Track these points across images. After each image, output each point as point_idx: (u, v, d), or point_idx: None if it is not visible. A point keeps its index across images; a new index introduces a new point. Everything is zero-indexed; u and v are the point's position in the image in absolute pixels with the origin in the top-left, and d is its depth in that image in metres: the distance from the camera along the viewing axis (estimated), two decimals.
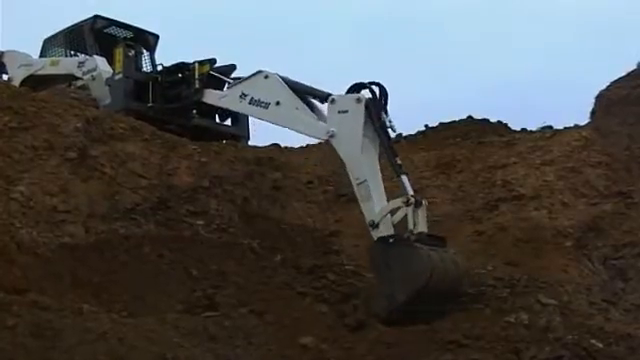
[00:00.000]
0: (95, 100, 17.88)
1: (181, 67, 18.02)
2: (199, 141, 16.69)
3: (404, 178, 13.45)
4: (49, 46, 20.61)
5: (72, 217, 13.26)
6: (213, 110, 18.44)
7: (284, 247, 14.83)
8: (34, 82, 19.48)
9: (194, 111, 18.20)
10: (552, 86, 47.32)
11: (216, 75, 17.25)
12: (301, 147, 21.40)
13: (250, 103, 15.49)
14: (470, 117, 21.98)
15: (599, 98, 22.30)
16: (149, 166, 14.90)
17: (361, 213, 13.58)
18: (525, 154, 18.56)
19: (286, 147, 21.25)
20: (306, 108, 14.84)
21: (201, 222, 14.62)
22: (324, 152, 19.49)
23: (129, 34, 20.08)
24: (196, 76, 17.34)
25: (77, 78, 19.06)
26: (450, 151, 19.64)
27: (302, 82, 15.22)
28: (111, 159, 14.59)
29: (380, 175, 13.70)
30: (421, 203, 13.09)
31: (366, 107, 13.64)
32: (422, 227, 12.94)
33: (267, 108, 15.14)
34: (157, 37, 20.38)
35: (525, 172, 17.80)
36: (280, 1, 58.53)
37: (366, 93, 13.90)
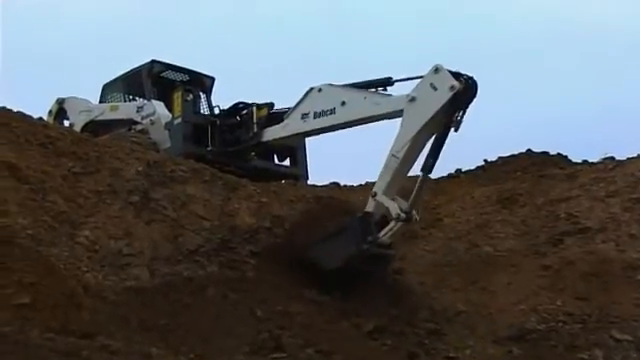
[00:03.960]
0: (155, 144, 18.07)
1: (239, 108, 18.11)
2: (258, 182, 16.69)
3: (422, 179, 13.44)
4: (108, 91, 21.00)
5: (137, 260, 13.28)
6: (271, 151, 18.46)
7: None
8: (95, 127, 19.81)
9: (252, 153, 18.25)
10: (609, 117, 46.60)
11: (274, 113, 17.26)
12: (360, 185, 21.32)
13: (315, 117, 15.33)
14: (529, 150, 21.75)
15: None
16: (210, 207, 14.91)
17: (424, 249, 13.42)
18: (588, 186, 18.20)
19: (345, 185, 21.18)
20: (373, 91, 14.55)
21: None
22: None
23: (185, 77, 20.34)
24: (254, 120, 17.35)
25: (136, 122, 19.32)
26: (511, 185, 19.37)
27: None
28: (173, 201, 14.63)
29: (412, 166, 13.71)
30: (410, 220, 13.50)
31: (454, 96, 13.24)
32: (385, 240, 13.59)
33: (335, 112, 14.93)
34: (213, 79, 20.62)
35: (589, 204, 17.44)
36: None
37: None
